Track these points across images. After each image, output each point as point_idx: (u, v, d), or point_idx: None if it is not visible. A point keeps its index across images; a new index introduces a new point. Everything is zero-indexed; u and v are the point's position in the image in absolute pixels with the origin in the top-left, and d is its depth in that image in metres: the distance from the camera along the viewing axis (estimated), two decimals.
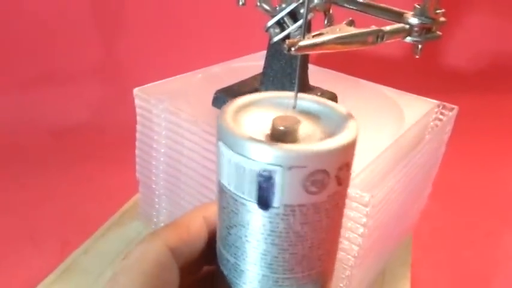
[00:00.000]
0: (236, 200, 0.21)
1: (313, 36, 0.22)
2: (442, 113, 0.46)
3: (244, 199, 0.21)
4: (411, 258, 0.50)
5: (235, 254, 0.23)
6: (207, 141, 0.38)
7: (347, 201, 0.24)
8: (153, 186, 0.45)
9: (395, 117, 0.43)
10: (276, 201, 0.20)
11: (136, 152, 0.45)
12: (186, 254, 0.20)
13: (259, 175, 0.20)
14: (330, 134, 0.20)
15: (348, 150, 0.20)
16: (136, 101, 0.42)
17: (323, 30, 0.23)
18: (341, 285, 0.34)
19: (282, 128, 0.22)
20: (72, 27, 0.82)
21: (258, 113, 0.23)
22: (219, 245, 0.24)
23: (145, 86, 0.43)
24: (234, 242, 0.22)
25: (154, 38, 0.86)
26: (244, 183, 0.21)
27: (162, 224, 0.47)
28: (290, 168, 0.19)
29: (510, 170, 0.75)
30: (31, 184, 0.64)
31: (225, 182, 0.22)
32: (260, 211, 0.21)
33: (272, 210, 0.20)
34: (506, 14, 0.94)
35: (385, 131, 0.40)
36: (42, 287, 0.40)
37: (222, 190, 0.22)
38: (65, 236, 0.53)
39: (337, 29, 0.23)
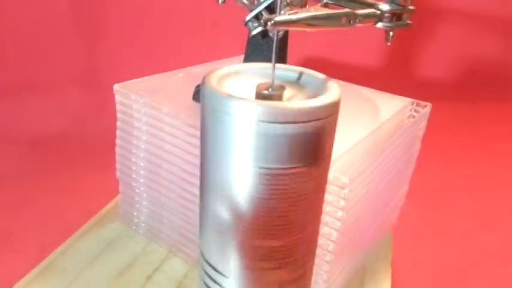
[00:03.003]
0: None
1: (289, 14, 0.23)
2: (415, 110, 0.47)
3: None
4: (391, 255, 0.50)
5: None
6: (188, 135, 0.38)
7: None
8: (133, 184, 0.45)
9: (371, 113, 0.44)
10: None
11: (116, 149, 0.45)
12: None
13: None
14: (314, 97, 0.21)
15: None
16: (117, 97, 0.43)
17: (298, 10, 0.24)
18: (321, 272, 0.34)
19: (266, 92, 0.23)
20: (52, 35, 0.83)
21: (242, 80, 0.24)
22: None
23: (126, 82, 0.43)
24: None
25: (136, 45, 0.87)
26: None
27: (143, 225, 0.47)
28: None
29: (485, 171, 0.77)
30: (8, 190, 0.63)
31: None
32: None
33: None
34: (475, 24, 0.98)
35: (360, 125, 0.41)
36: (20, 286, 0.39)
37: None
38: (43, 239, 0.52)
39: (312, 9, 0.24)
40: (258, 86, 0.23)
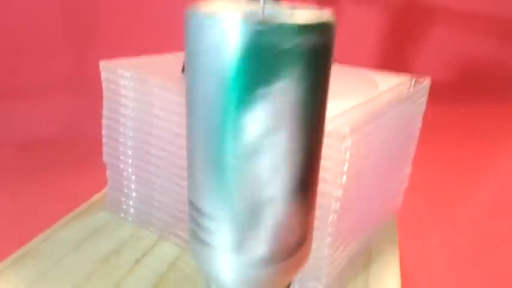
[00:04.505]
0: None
1: None
2: (415, 84, 0.46)
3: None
4: (397, 238, 0.48)
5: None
6: (178, 105, 0.36)
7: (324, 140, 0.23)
8: (121, 166, 0.43)
9: (369, 86, 0.42)
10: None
11: (103, 131, 0.43)
12: None
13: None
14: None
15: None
16: (103, 74, 0.41)
17: None
18: (325, 234, 0.31)
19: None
20: (42, 39, 0.81)
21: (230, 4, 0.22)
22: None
23: (112, 60, 0.41)
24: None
25: (126, 50, 0.86)
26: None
27: (132, 211, 0.44)
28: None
29: (483, 171, 0.75)
30: None
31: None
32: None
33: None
34: (467, 26, 0.99)
35: (358, 94, 0.39)
36: None
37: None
38: (26, 233, 0.49)
39: None
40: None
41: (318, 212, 0.31)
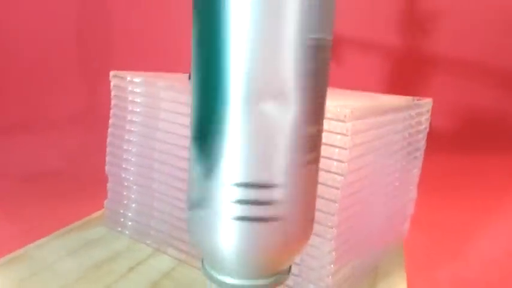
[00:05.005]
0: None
1: None
2: (417, 103, 0.46)
3: None
4: (404, 262, 0.45)
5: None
6: (186, 105, 0.37)
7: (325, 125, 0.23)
8: (123, 175, 0.42)
9: (372, 98, 0.43)
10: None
11: (108, 140, 0.43)
12: None
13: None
14: None
15: None
16: (112, 83, 0.42)
17: None
18: (328, 224, 0.30)
19: None
20: (54, 74, 0.85)
21: None
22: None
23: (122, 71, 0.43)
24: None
25: None
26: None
27: (130, 224, 0.43)
28: None
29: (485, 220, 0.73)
30: None
31: None
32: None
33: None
34: (470, 73, 1.02)
35: (361, 100, 0.40)
36: None
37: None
38: None
39: None
40: None
41: (320, 202, 0.30)
